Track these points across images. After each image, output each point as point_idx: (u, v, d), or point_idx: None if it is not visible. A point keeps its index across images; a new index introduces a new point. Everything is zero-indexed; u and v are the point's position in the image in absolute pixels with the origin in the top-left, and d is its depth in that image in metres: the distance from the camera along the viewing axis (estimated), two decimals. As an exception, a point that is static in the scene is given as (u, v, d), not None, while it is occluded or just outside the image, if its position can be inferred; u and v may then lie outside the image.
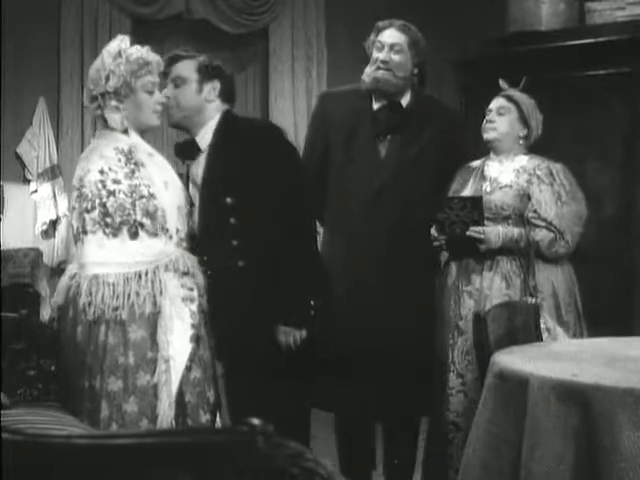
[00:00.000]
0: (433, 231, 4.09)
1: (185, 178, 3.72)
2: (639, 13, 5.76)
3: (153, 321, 3.20)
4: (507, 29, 6.10)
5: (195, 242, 3.56)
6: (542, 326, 3.75)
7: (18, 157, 6.07)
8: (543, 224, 4.03)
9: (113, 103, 3.31)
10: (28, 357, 3.16)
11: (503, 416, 2.89)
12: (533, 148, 4.22)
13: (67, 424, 2.24)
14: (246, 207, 3.57)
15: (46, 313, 4.89)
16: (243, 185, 3.57)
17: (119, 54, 3.32)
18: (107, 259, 3.21)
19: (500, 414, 2.91)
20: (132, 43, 3.38)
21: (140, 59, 3.35)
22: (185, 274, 3.30)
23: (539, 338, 3.64)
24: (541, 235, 4.03)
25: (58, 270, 5.66)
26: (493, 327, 3.41)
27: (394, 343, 4.03)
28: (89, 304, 3.17)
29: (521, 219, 4.07)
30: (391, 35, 4.11)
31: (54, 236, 6.13)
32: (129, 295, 3.18)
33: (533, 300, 3.91)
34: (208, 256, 3.54)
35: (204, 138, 3.66)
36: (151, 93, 3.37)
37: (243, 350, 3.56)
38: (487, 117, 4.19)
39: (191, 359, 3.28)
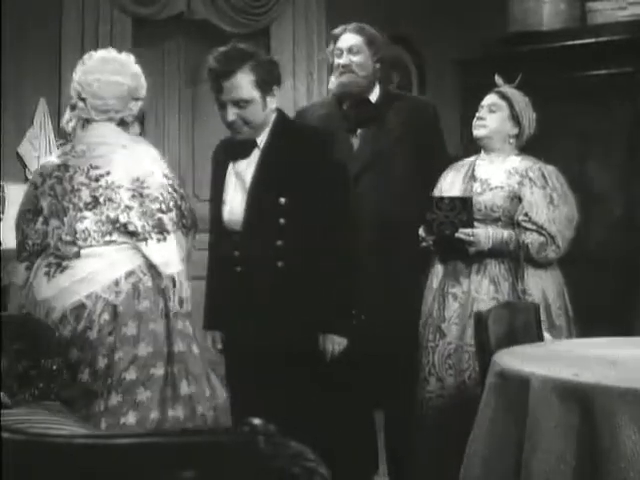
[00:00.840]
0: (421, 231, 4.07)
1: (219, 177, 3.73)
2: (640, 13, 5.76)
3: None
4: (508, 29, 6.10)
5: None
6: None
7: (19, 157, 6.06)
8: (534, 227, 3.99)
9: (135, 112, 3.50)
10: (29, 357, 3.16)
11: (504, 416, 2.89)
12: (534, 148, 4.20)
13: (68, 424, 2.24)
14: (296, 209, 3.56)
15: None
16: (296, 186, 3.57)
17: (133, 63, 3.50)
18: (184, 257, 3.41)
19: (501, 414, 2.91)
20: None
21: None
22: None
23: (540, 338, 3.64)
24: (531, 238, 3.98)
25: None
26: (494, 327, 3.41)
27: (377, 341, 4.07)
28: (186, 299, 3.35)
29: (511, 221, 4.03)
30: (347, 39, 4.25)
31: (55, 236, 6.11)
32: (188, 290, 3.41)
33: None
34: (243, 253, 3.59)
35: (261, 138, 3.67)
36: None
37: (280, 354, 3.53)
38: (478, 114, 4.16)
39: None
